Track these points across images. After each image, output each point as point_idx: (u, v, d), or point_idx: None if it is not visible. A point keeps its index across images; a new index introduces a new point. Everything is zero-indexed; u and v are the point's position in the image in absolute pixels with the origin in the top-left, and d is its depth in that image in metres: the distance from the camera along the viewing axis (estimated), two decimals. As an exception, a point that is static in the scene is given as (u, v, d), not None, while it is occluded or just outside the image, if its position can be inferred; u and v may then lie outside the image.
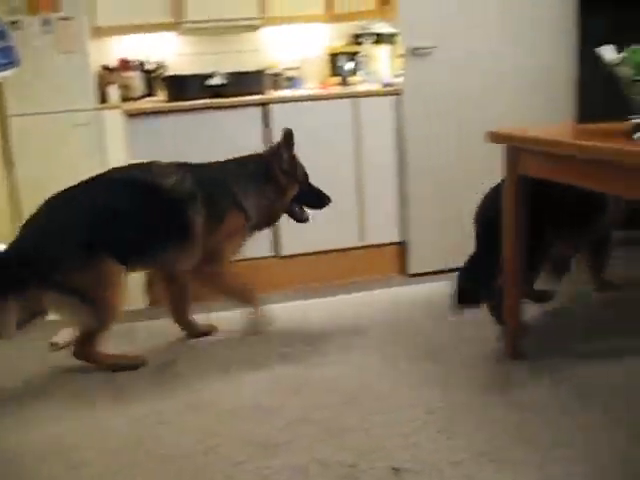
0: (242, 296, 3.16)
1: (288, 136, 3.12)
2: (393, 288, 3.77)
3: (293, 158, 3.17)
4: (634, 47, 2.16)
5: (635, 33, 2.21)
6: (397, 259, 3.93)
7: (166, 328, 3.30)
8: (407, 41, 3.62)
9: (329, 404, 2.51)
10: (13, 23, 4.88)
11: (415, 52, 3.61)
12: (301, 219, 3.26)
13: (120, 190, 2.94)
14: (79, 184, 3.02)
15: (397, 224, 3.88)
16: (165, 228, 2.90)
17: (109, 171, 3.18)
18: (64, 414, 2.55)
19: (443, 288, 3.64)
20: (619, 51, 2.21)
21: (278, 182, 3.12)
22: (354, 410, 2.46)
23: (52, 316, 2.93)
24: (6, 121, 5.30)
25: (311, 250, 3.79)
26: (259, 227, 3.19)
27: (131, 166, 3.17)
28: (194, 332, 3.22)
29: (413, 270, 3.89)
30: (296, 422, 2.39)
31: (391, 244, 3.91)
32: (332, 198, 3.26)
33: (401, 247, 3.92)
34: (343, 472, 2.09)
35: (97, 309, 2.78)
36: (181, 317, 3.22)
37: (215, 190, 3.01)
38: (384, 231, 3.86)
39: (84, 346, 2.85)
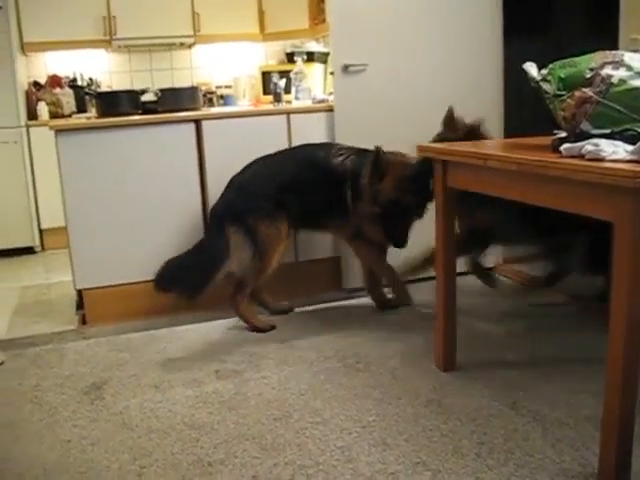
0: (384, 271, 3.57)
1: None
2: (328, 303, 3.77)
3: None
4: (557, 63, 2.23)
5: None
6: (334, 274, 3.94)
7: (96, 348, 3.23)
8: (338, 59, 3.65)
9: (264, 420, 2.48)
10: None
11: (346, 70, 3.65)
12: None
13: (303, 163, 3.42)
14: (276, 153, 3.51)
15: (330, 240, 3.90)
16: (328, 199, 3.37)
17: (300, 146, 3.60)
18: (-12, 439, 2.45)
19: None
20: (541, 68, 2.28)
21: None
22: (289, 425, 2.44)
23: None
24: None
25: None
26: None
27: (317, 145, 3.58)
28: (381, 303, 3.63)
29: (349, 285, 3.91)
30: (231, 439, 2.36)
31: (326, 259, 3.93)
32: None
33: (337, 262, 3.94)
34: (279, 487, 2.07)
35: (261, 260, 3.31)
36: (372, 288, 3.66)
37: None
38: (318, 248, 3.88)
39: (235, 295, 3.35)
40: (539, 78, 2.26)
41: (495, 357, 2.93)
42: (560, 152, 2.05)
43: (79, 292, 3.57)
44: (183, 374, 2.91)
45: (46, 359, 3.14)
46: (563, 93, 2.18)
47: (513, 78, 3.63)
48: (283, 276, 3.47)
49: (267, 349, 3.15)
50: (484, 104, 3.84)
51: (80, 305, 3.60)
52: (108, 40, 5.80)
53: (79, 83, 5.95)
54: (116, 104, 3.63)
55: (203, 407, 2.61)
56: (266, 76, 5.06)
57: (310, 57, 5.00)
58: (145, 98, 3.69)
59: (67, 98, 5.79)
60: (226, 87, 5.91)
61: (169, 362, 3.05)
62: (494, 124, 3.87)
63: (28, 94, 5.72)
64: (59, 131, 3.42)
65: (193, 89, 3.95)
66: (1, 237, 5.29)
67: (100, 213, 3.51)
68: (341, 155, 3.39)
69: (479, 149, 2.44)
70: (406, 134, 3.47)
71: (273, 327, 3.37)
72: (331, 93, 4.00)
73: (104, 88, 5.88)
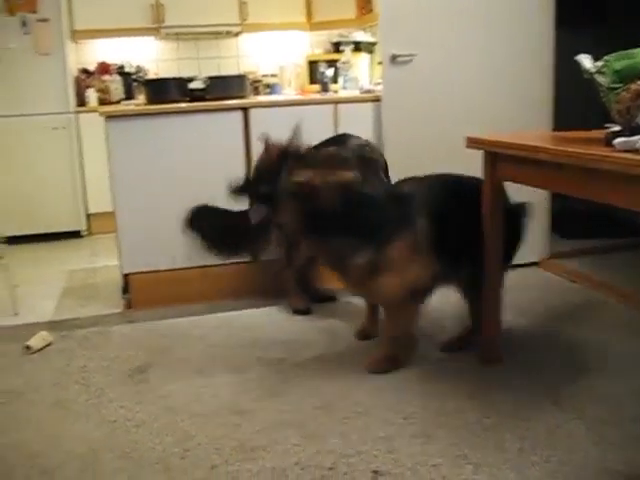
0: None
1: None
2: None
3: None
4: (612, 55, 2.19)
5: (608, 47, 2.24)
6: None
7: (140, 331, 3.29)
8: (386, 49, 3.63)
9: (306, 408, 2.50)
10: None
11: (394, 60, 3.63)
12: None
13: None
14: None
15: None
16: None
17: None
18: (38, 420, 2.51)
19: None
20: (596, 60, 2.24)
21: None
22: (331, 414, 2.45)
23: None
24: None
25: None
26: None
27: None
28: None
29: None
30: (273, 426, 2.38)
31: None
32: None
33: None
34: (322, 475, 2.08)
35: None
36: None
37: None
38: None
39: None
40: (593, 70, 2.22)
41: (539, 353, 2.90)
42: (613, 146, 2.01)
43: (125, 276, 3.63)
44: (226, 360, 2.94)
45: (93, 341, 3.20)
46: (618, 86, 2.14)
47: (565, 70, 3.57)
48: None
49: (309, 337, 3.16)
50: (533, 96, 3.79)
51: (126, 289, 3.65)
52: (156, 28, 5.86)
53: (127, 70, 6.03)
54: (165, 91, 3.67)
55: (246, 393, 2.63)
56: (313, 65, 5.06)
57: (357, 47, 4.99)
58: (193, 85, 3.72)
59: (115, 85, 5.87)
60: (272, 76, 5.92)
61: (212, 348, 3.08)
62: (543, 117, 3.82)
63: (77, 81, 5.81)
64: (109, 117, 3.47)
65: (241, 77, 3.97)
66: (49, 221, 5.40)
67: (147, 199, 3.55)
68: None
69: (529, 141, 2.40)
70: (454, 125, 3.46)
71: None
72: (378, 83, 3.99)
73: (151, 76, 5.95)
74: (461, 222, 2.68)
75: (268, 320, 3.41)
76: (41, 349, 3.10)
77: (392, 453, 2.18)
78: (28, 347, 3.08)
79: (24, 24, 5.33)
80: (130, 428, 2.41)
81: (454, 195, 2.73)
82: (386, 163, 3.32)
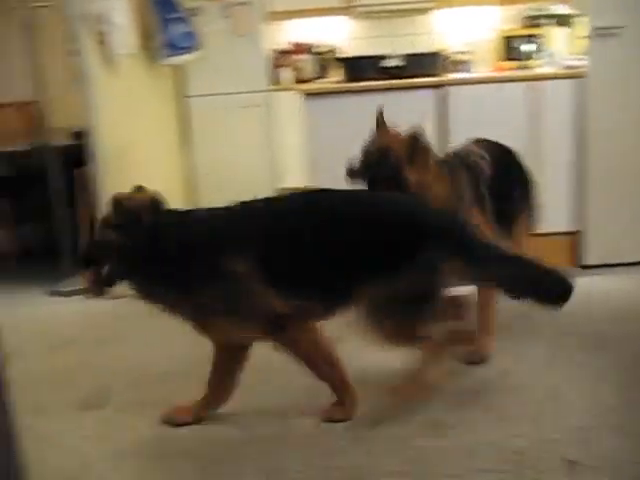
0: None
1: None
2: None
3: None
4: None
5: None
6: (569, 249, 3.78)
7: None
8: (593, 21, 3.44)
9: (498, 390, 2.47)
10: (195, 9, 5.17)
11: (601, 32, 3.43)
12: None
13: None
14: None
15: (572, 213, 3.73)
16: None
17: None
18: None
19: (620, 282, 3.50)
20: None
21: None
22: (523, 397, 2.40)
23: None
24: (184, 101, 5.65)
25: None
26: None
27: None
28: None
29: (588, 261, 3.73)
30: (464, 404, 2.37)
31: (564, 233, 3.77)
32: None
33: (574, 237, 3.77)
34: (514, 459, 2.04)
35: None
36: None
37: None
38: (558, 220, 3.72)
39: None
40: None
41: None
42: None
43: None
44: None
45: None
46: None
47: None
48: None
49: (501, 323, 3.09)
50: None
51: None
52: (349, 7, 5.93)
53: (319, 50, 6.17)
54: (361, 69, 3.73)
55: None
56: (508, 41, 4.89)
57: (555, 20, 4.76)
58: (389, 63, 3.74)
59: (308, 64, 6.03)
60: (463, 53, 5.80)
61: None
62: None
63: (272, 60, 6.04)
64: (307, 95, 3.57)
65: (436, 54, 3.94)
66: (246, 194, 5.65)
67: (342, 176, 3.61)
68: None
69: None
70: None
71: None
72: (578, 59, 3.79)
73: (345, 54, 6.05)
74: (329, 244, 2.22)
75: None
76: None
77: (588, 444, 2.10)
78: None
79: (224, 8, 5.61)
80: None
81: (314, 215, 2.29)
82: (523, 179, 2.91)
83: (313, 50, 6.17)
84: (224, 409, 2.40)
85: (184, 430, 2.32)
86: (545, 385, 2.48)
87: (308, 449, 2.16)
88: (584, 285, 3.44)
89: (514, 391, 2.45)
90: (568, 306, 3.12)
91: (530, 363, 2.66)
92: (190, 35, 5.12)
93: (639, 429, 2.17)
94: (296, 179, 5.42)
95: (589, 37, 3.47)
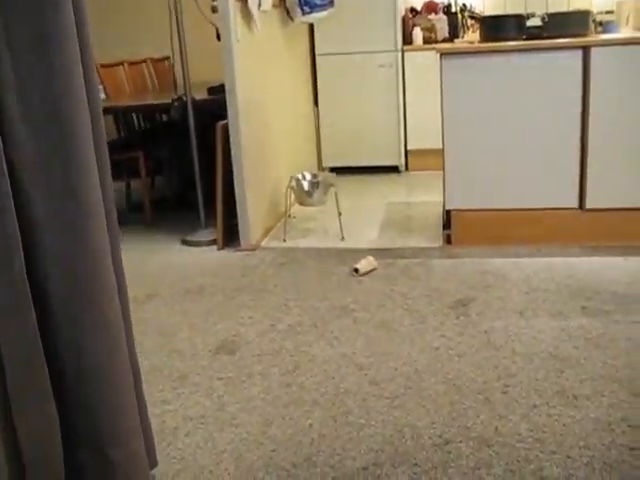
0: None
1: None
2: None
3: None
4: None
5: None
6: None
7: (461, 267, 3.36)
8: None
9: (633, 364, 2.39)
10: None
11: None
12: None
13: None
14: None
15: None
16: None
17: None
18: (367, 336, 2.72)
19: None
20: None
21: None
22: (661, 377, 2.32)
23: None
24: (315, 60, 5.68)
25: (617, 206, 3.55)
26: None
27: None
28: None
29: None
30: (597, 377, 2.31)
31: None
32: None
33: None
34: (652, 435, 1.99)
35: None
36: None
37: None
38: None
39: None
40: None
41: None
42: None
43: (448, 212, 3.71)
44: (548, 305, 2.90)
45: (414, 271, 3.35)
46: None
47: None
48: None
49: (635, 293, 2.98)
50: None
51: (447, 225, 3.74)
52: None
53: (453, 10, 6.03)
54: (501, 29, 3.60)
55: (568, 341, 2.58)
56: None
57: None
58: (530, 23, 3.60)
59: (441, 24, 5.91)
60: (607, 13, 5.52)
61: (534, 291, 3.05)
62: None
63: (405, 20, 5.95)
64: (444, 54, 3.51)
65: (583, 13, 3.76)
66: (371, 155, 5.67)
67: (477, 137, 3.56)
68: None
69: None
70: None
71: None
72: None
73: (477, 14, 5.88)
74: None
75: (592, 271, 3.27)
76: (368, 272, 3.33)
77: None
78: (356, 270, 3.32)
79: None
80: (452, 357, 2.51)
81: None
82: None
83: (447, 10, 6.04)
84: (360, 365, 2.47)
85: (312, 380, 2.40)
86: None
87: (440, 406, 2.19)
88: None
89: (652, 367, 2.36)
90: None
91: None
92: (326, -8, 5.12)
93: None
94: (423, 141, 5.38)
95: None
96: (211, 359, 2.60)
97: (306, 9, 4.90)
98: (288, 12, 4.85)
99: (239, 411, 2.24)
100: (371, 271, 3.34)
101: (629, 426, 2.04)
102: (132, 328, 1.73)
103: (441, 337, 2.66)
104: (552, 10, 5.06)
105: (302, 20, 4.92)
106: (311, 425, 2.14)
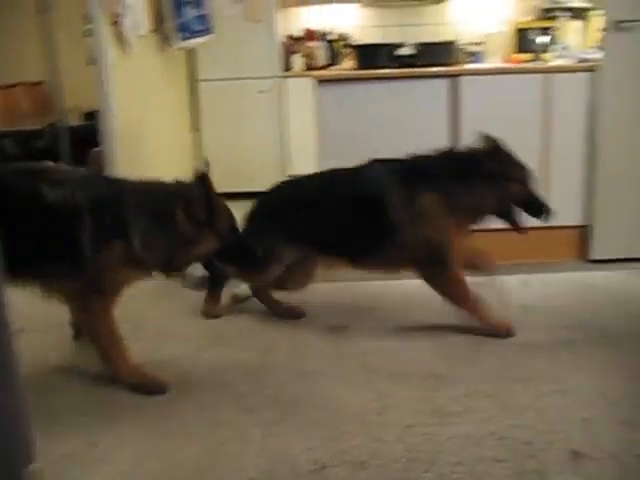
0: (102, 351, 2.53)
1: (202, 179, 2.54)
2: (573, 272, 3.62)
3: (212, 204, 2.55)
4: None
5: None
6: (578, 243, 3.78)
7: (337, 291, 3.40)
8: (610, 14, 3.42)
9: (503, 380, 2.48)
10: (208, -7, 5.15)
11: (618, 26, 3.41)
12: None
13: None
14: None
15: (581, 207, 3.73)
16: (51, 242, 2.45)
17: None
18: (244, 362, 2.70)
19: (626, 276, 3.50)
20: None
21: (182, 231, 2.50)
22: (528, 389, 2.41)
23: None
24: (196, 86, 5.65)
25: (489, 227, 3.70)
26: (159, 270, 2.60)
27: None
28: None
29: (596, 256, 3.73)
30: (469, 394, 2.38)
31: (573, 227, 3.77)
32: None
33: (582, 231, 3.77)
34: (518, 448, 2.05)
35: None
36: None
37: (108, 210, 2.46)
38: (567, 213, 3.71)
39: None
40: None
41: None
42: None
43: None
44: (425, 324, 2.99)
45: (291, 296, 3.34)
46: None
47: None
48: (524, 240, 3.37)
49: (506, 313, 3.11)
50: None
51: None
52: (362, -5, 5.91)
53: (331, 37, 6.16)
54: (374, 57, 3.72)
55: (443, 359, 2.65)
56: (522, 33, 4.88)
57: (570, 13, 4.74)
58: (402, 52, 3.73)
59: (320, 51, 6.02)
60: (475, 44, 5.78)
61: (410, 311, 3.14)
62: None
63: (284, 47, 6.03)
64: (320, 81, 3.57)
65: (451, 44, 3.93)
66: (255, 180, 5.65)
67: (351, 162, 3.60)
68: (60, 185, 2.45)
69: None
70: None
71: None
72: (592, 52, 3.78)
73: (356, 42, 6.03)
74: None
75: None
76: (246, 299, 3.29)
77: (594, 436, 2.11)
78: (236, 295, 3.29)
79: (239, -6, 5.60)
80: (329, 381, 2.51)
81: None
82: None
83: (325, 37, 6.17)
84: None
85: (187, 411, 2.34)
86: (550, 377, 2.49)
87: (317, 431, 2.18)
88: (591, 279, 3.48)
89: (519, 382, 2.46)
90: (575, 299, 3.17)
91: (534, 355, 2.67)
92: (203, 19, 5.10)
93: (643, 422, 2.19)
94: (305, 165, 5.43)
95: (605, 30, 3.45)
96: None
97: (185, 35, 4.87)
98: (166, 37, 4.80)
99: (111, 447, 2.16)
100: (249, 297, 3.31)
101: (497, 439, 2.11)
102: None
103: (318, 361, 2.67)
104: (427, 40, 5.29)
105: (181, 46, 4.88)
106: (186, 458, 2.08)
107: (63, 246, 2.42)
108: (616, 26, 3.40)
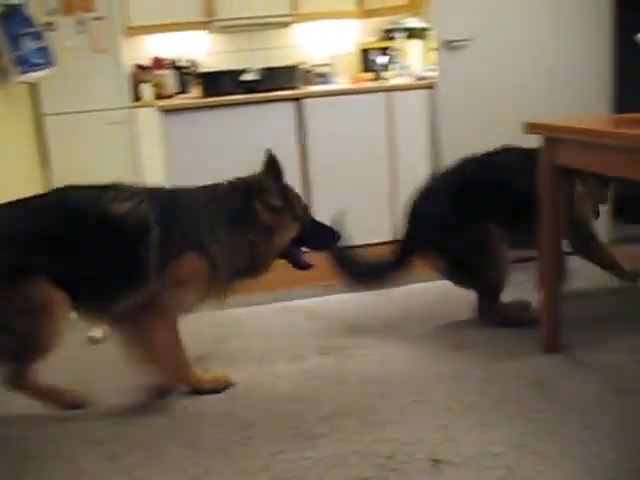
0: (166, 368, 2.53)
1: (272, 162, 2.52)
2: (425, 283, 3.71)
3: (286, 190, 2.56)
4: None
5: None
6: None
7: (196, 321, 3.33)
8: (441, 34, 3.59)
9: (365, 397, 2.51)
10: (49, 24, 4.97)
11: (449, 45, 3.59)
12: (302, 266, 2.69)
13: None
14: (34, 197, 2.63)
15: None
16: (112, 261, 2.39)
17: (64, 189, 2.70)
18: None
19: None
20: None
21: (263, 222, 2.50)
22: (390, 402, 2.45)
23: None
24: (41, 120, 5.41)
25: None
26: (238, 276, 2.57)
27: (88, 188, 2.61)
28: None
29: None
30: (333, 414, 2.39)
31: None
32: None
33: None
34: (382, 463, 2.08)
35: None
36: None
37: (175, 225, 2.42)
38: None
39: None
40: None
41: (600, 340, 2.84)
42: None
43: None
44: (286, 349, 2.97)
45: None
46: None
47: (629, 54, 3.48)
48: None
49: (368, 326, 3.16)
50: (591, 81, 3.71)
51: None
52: (208, 22, 5.89)
53: (180, 65, 6.09)
54: (218, 84, 3.71)
55: (306, 382, 2.65)
56: (365, 53, 5.02)
57: (409, 33, 4.94)
58: (245, 78, 3.74)
59: (169, 79, 5.91)
60: (324, 65, 5.90)
61: (272, 337, 3.12)
62: (601, 101, 3.73)
63: (132, 76, 5.90)
64: (165, 111, 3.52)
65: (293, 68, 3.98)
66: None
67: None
68: (126, 200, 2.43)
69: (589, 125, 2.35)
70: (509, 111, 3.40)
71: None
72: (431, 70, 3.95)
73: (205, 69, 5.99)
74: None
75: (332, 308, 3.41)
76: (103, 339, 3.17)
77: (452, 441, 2.17)
78: (92, 337, 3.16)
79: (80, 23, 5.43)
80: (191, 416, 2.45)
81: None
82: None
83: (174, 65, 6.09)
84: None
85: (46, 462, 2.20)
86: (410, 388, 2.54)
87: (180, 472, 2.11)
88: (441, 288, 3.56)
89: (379, 397, 2.49)
90: (427, 309, 3.26)
91: (390, 367, 2.73)
92: (44, 51, 4.90)
93: (496, 422, 2.27)
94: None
95: (437, 49, 3.62)
96: None
97: (24, 68, 4.66)
98: (4, 72, 4.58)
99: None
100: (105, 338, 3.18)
101: (361, 456, 2.12)
102: None
103: (180, 396, 2.59)
104: (275, 64, 5.35)
105: (20, 80, 4.66)
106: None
107: (128, 262, 2.36)
108: (447, 45, 3.57)
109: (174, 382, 2.57)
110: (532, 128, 2.59)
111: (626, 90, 3.80)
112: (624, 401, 2.35)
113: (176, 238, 2.39)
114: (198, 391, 2.58)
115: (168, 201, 2.48)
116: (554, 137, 2.50)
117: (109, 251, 2.37)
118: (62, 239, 2.34)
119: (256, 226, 2.48)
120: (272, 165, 2.51)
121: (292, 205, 2.56)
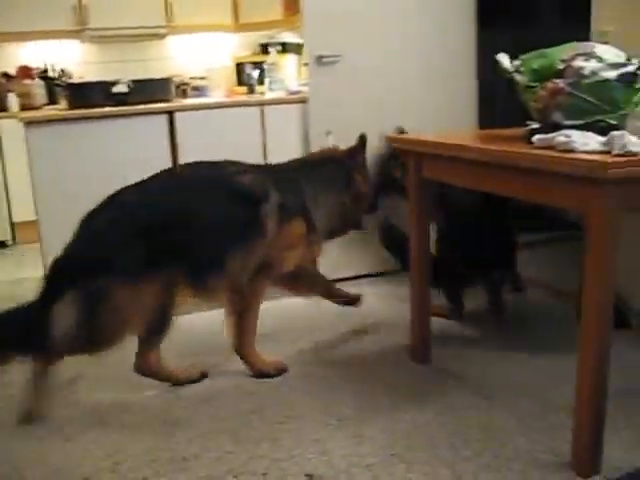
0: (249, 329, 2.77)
1: (364, 143, 3.05)
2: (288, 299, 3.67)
3: (365, 164, 3.09)
4: (529, 55, 2.24)
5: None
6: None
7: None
8: (312, 50, 3.63)
9: (238, 414, 2.48)
10: None
11: (320, 61, 3.62)
12: (362, 227, 3.22)
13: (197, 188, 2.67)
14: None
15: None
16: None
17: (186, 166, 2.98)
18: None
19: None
20: (513, 60, 2.28)
21: (357, 189, 3.01)
22: (264, 419, 2.43)
23: None
24: None
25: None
26: (330, 236, 3.00)
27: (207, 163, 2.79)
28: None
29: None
30: (205, 433, 2.35)
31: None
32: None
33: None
34: (257, 480, 2.06)
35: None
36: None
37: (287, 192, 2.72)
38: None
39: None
40: (512, 69, 2.26)
41: (468, 351, 2.94)
42: (532, 143, 2.05)
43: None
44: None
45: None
46: (535, 85, 2.18)
47: (489, 69, 3.64)
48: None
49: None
50: (456, 94, 3.85)
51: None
52: (80, 31, 5.71)
53: (50, 74, 5.86)
54: (87, 95, 3.58)
55: (178, 402, 2.59)
56: (240, 67, 5.01)
57: (284, 48, 4.96)
58: (116, 89, 3.63)
59: (38, 90, 5.69)
60: (200, 78, 5.84)
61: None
62: (467, 115, 3.88)
63: None
64: (28, 123, 3.36)
65: (165, 80, 3.91)
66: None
67: (73, 205, 3.43)
68: (246, 172, 2.71)
69: (453, 140, 2.43)
70: (379, 125, 3.47)
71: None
72: (305, 84, 3.97)
73: (76, 79, 5.79)
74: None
75: (198, 327, 3.35)
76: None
77: (325, 455, 2.18)
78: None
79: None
80: (57, 442, 2.34)
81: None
82: None
83: (44, 75, 5.85)
84: None
85: None
86: (283, 404, 2.53)
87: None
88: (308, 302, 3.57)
89: (254, 414, 2.47)
90: (304, 325, 3.26)
91: (263, 383, 2.72)
92: None
93: (368, 433, 2.29)
94: (28, 212, 5.09)
95: (308, 64, 3.65)
96: None
97: None
98: None
99: None
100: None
101: (234, 476, 2.09)
102: None
103: (45, 422, 2.47)
104: (148, 76, 5.24)
105: None
106: None
107: (250, 225, 2.61)
108: (317, 60, 3.61)
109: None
110: (395, 142, 2.67)
111: (485, 106, 3.97)
112: (491, 407, 2.44)
113: (289, 203, 2.69)
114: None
115: (275, 172, 2.81)
116: (419, 151, 2.57)
117: (237, 216, 2.59)
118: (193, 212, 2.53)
119: (350, 191, 2.96)
120: (364, 145, 3.04)
121: (368, 177, 3.09)
